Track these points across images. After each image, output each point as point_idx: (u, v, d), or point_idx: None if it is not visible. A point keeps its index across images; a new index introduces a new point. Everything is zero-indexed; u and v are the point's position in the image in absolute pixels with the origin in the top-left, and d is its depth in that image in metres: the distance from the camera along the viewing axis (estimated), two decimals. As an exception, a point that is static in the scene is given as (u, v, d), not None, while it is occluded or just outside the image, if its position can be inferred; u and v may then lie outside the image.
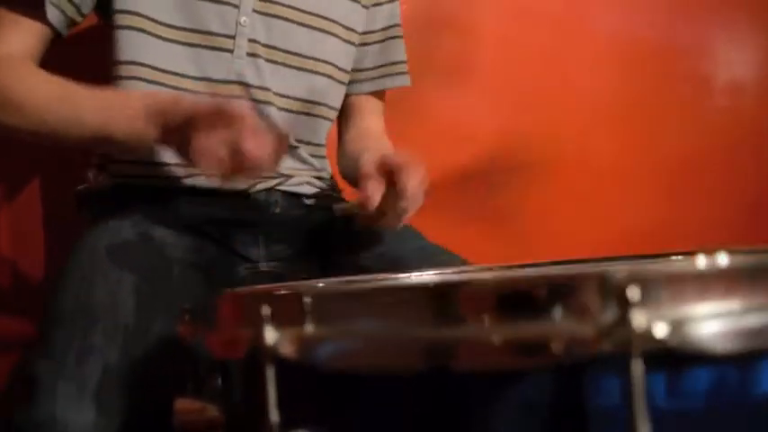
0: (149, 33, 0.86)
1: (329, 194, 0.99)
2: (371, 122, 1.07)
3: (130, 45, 0.86)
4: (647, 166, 1.75)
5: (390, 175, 0.78)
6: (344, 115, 1.06)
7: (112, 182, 0.89)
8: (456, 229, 1.35)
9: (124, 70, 0.86)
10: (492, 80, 1.58)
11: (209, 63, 0.88)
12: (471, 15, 1.57)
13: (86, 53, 0.92)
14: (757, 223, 1.90)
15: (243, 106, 0.72)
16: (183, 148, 0.72)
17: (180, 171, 0.87)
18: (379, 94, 1.08)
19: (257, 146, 0.69)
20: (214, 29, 0.88)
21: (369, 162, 0.79)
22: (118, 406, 0.64)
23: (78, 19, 0.87)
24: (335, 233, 0.94)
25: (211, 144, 0.69)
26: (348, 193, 1.03)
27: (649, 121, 1.77)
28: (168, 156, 0.86)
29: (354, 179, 0.87)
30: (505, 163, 1.55)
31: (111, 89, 0.84)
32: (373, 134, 1.06)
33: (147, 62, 0.86)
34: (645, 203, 1.74)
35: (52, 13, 0.84)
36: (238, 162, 0.69)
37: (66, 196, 0.96)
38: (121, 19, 0.86)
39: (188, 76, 0.87)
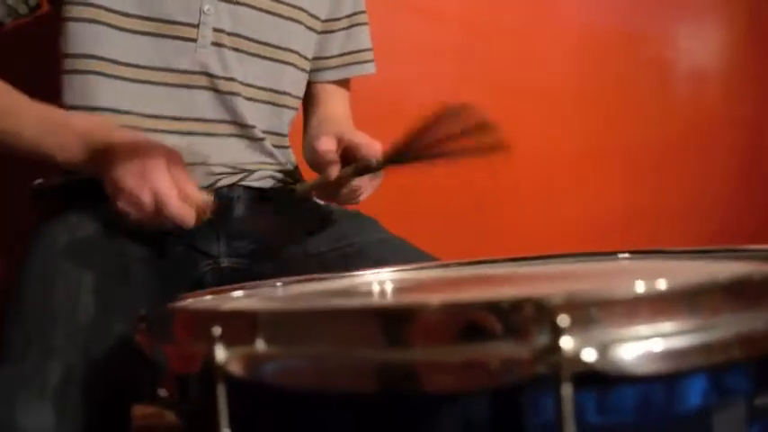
0: (106, 24, 0.84)
1: (292, 189, 1.00)
2: (337, 109, 1.07)
3: (86, 37, 0.84)
4: (610, 154, 1.78)
5: (347, 151, 0.80)
6: (310, 104, 1.06)
7: (69, 177, 0.88)
8: (418, 219, 1.37)
9: (80, 64, 0.84)
10: (456, 65, 1.59)
11: (172, 53, 0.86)
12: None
13: (31, 44, 0.90)
14: (719, 210, 1.95)
15: (177, 161, 0.73)
16: (110, 187, 0.73)
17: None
18: (344, 82, 1.08)
19: (178, 207, 0.71)
20: (176, 17, 0.86)
21: (324, 138, 0.81)
22: (78, 409, 0.64)
23: (23, 10, 0.85)
24: (297, 228, 0.94)
25: (132, 209, 0.71)
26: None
27: (612, 109, 1.80)
28: None
29: (317, 165, 0.88)
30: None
31: (54, 109, 0.83)
32: (338, 120, 1.06)
33: (104, 55, 0.84)
34: (607, 191, 1.77)
35: None
36: (160, 219, 0.71)
37: (22, 191, 0.95)
38: (75, 10, 0.84)
39: (150, 68, 0.86)
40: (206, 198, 0.75)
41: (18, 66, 0.87)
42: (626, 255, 0.70)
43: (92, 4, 0.84)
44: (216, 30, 0.88)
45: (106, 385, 0.67)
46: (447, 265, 0.78)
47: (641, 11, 1.88)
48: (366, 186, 0.85)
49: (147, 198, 0.70)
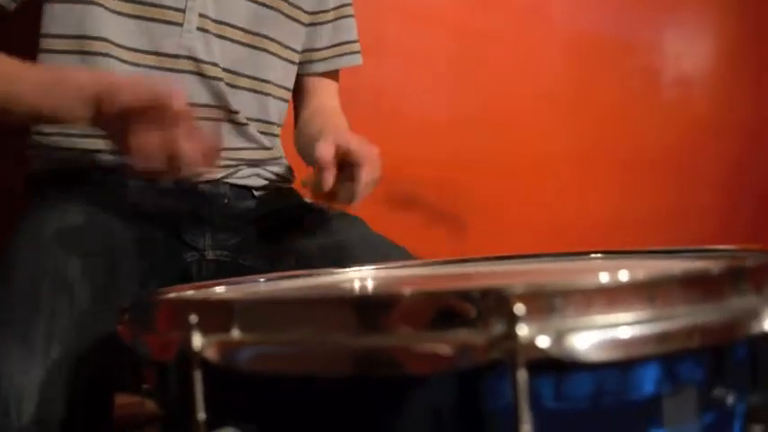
0: (97, 5, 0.85)
1: (279, 186, 1.01)
2: (326, 101, 1.09)
3: (80, 18, 0.85)
4: (599, 159, 1.80)
5: (344, 157, 0.81)
6: (299, 96, 1.08)
7: (58, 165, 0.89)
8: (405, 218, 1.38)
9: (73, 44, 0.86)
10: (445, 65, 1.61)
11: (160, 36, 0.88)
12: (427, 2, 1.59)
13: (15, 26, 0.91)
14: (708, 215, 1.97)
15: (181, 102, 0.72)
16: (118, 138, 0.73)
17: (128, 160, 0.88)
18: (332, 74, 1.09)
19: (192, 147, 0.70)
20: (164, 2, 0.87)
21: (324, 144, 0.81)
22: (64, 369, 0.65)
23: None
24: (282, 223, 0.96)
25: (147, 142, 0.70)
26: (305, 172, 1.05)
27: (600, 114, 1.82)
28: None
29: (310, 158, 0.89)
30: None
31: (52, 66, 0.84)
32: (329, 112, 1.08)
33: (97, 35, 0.85)
34: (596, 196, 1.79)
35: None
36: (172, 162, 0.70)
37: (15, 179, 0.95)
38: None
39: (138, 50, 0.87)
40: (216, 138, 0.75)
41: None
42: (598, 255, 0.72)
43: None
44: (201, 15, 0.90)
45: (90, 375, 0.68)
46: (428, 264, 0.79)
47: (632, 19, 1.91)
48: (363, 191, 0.85)
49: (156, 137, 0.69)
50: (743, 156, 2.09)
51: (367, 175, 0.80)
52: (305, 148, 1.03)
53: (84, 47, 0.85)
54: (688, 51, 2.03)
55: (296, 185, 1.05)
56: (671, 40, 2.00)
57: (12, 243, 0.77)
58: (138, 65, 0.87)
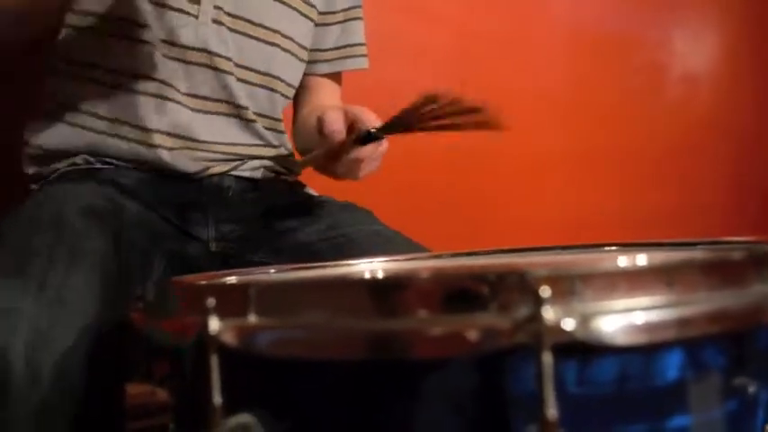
0: None
1: (284, 178, 1.01)
2: (327, 101, 1.08)
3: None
4: (603, 157, 1.79)
5: (353, 124, 0.81)
6: (300, 95, 1.07)
7: (63, 165, 0.89)
8: (412, 213, 1.38)
9: (86, 21, 0.86)
10: (447, 63, 1.60)
11: (175, 26, 0.87)
12: (428, 1, 1.58)
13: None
14: (711, 214, 1.97)
15: None
16: None
17: (134, 151, 0.88)
18: (336, 76, 1.09)
19: None
20: None
21: (334, 112, 0.82)
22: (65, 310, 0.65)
23: None
24: (289, 217, 0.95)
25: None
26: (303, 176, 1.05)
27: (602, 113, 1.81)
28: (123, 134, 0.87)
29: (312, 144, 0.88)
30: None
31: None
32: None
33: (108, 12, 0.85)
34: (597, 192, 1.79)
35: None
36: None
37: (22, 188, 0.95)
38: None
39: (153, 40, 0.87)
40: None
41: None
42: (613, 247, 0.71)
43: None
44: (216, 7, 0.90)
45: (101, 363, 0.67)
46: (439, 256, 0.79)
47: (633, 17, 1.90)
48: (368, 160, 0.84)
49: None
50: (746, 154, 2.09)
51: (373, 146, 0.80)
52: (304, 138, 1.02)
53: (98, 25, 0.86)
54: (690, 50, 2.03)
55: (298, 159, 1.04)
56: (673, 38, 2.00)
57: (15, 210, 0.78)
58: (155, 52, 0.87)
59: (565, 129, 1.75)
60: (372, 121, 0.80)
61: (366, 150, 0.81)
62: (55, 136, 0.89)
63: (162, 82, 0.88)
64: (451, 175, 1.56)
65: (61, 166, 0.89)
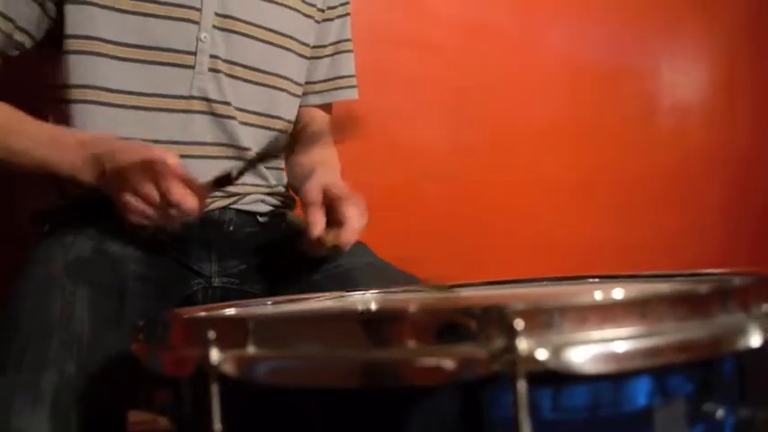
0: (102, 55, 0.88)
1: (282, 212, 1.03)
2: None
3: (83, 69, 0.88)
4: (594, 184, 1.82)
5: (332, 204, 0.84)
6: (293, 126, 1.10)
7: (66, 201, 0.91)
8: (407, 244, 1.40)
9: (75, 93, 0.88)
10: (445, 96, 1.64)
11: (169, 79, 0.89)
12: (426, 32, 1.62)
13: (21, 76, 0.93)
14: (706, 242, 1.99)
15: (174, 159, 0.78)
16: (115, 197, 0.79)
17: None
18: (326, 107, 1.12)
19: (182, 194, 0.76)
20: (174, 45, 0.90)
21: (313, 190, 0.85)
22: (72, 417, 0.67)
23: (28, 45, 0.90)
24: (287, 249, 0.97)
25: (137, 202, 0.77)
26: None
27: (597, 140, 1.84)
28: None
29: (299, 194, 0.92)
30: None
31: (58, 127, 0.88)
32: (321, 145, 1.10)
33: (98, 84, 0.88)
34: (595, 220, 1.81)
35: (1, 41, 0.87)
36: (164, 212, 0.76)
37: (21, 212, 0.98)
38: (73, 44, 0.87)
39: (148, 94, 0.89)
40: (205, 187, 0.80)
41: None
42: (595, 279, 0.74)
43: (91, 37, 0.87)
44: (212, 56, 0.92)
45: (100, 394, 0.70)
46: (427, 289, 0.81)
47: (629, 47, 1.94)
48: (349, 235, 0.87)
49: (151, 190, 0.75)
50: (741, 180, 2.11)
51: (353, 219, 0.84)
52: (294, 181, 1.05)
53: (89, 96, 0.88)
54: (685, 79, 2.06)
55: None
56: (668, 68, 2.03)
57: (21, 284, 0.79)
58: (148, 108, 0.90)
59: (562, 158, 1.77)
60: (355, 205, 0.85)
61: (348, 225, 0.85)
62: (63, 184, 0.91)
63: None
64: (450, 203, 1.58)
65: (69, 201, 0.91)
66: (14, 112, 0.87)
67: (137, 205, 0.77)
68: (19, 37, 0.88)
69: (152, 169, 0.76)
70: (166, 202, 0.76)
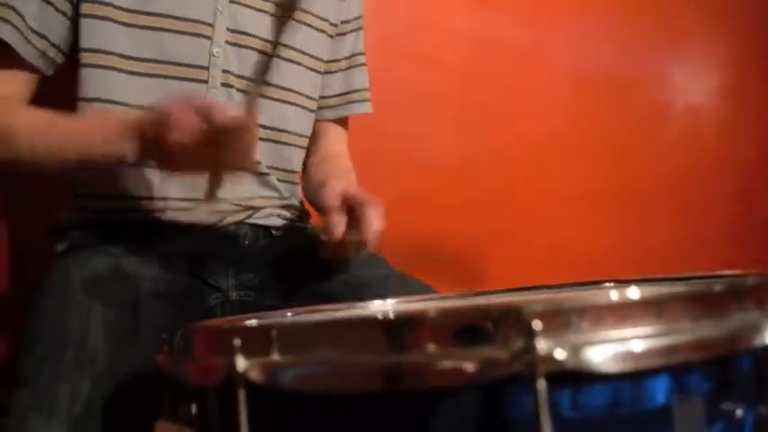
0: (115, 69, 0.89)
1: (297, 225, 1.04)
2: (335, 147, 1.12)
3: (95, 83, 0.89)
4: (602, 193, 1.83)
5: (351, 209, 0.85)
6: (310, 140, 1.11)
7: (86, 216, 0.92)
8: (419, 255, 1.41)
9: (88, 108, 0.89)
10: (453, 108, 1.65)
11: (182, 94, 0.89)
12: (433, 45, 1.64)
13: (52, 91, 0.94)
14: (715, 250, 1.98)
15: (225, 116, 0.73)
16: (160, 152, 0.75)
17: (153, 206, 0.91)
18: (342, 121, 1.13)
19: (227, 112, 0.72)
20: (187, 60, 0.91)
21: (331, 195, 0.85)
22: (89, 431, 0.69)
23: (59, 60, 0.91)
24: (303, 261, 0.98)
25: (182, 114, 0.71)
26: (316, 218, 1.08)
27: (604, 150, 1.85)
28: (141, 191, 0.90)
29: (318, 206, 0.92)
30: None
31: (89, 114, 0.88)
32: (336, 159, 1.10)
33: (111, 97, 0.89)
34: (606, 227, 1.82)
35: (37, 59, 0.89)
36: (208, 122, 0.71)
37: (38, 230, 0.98)
38: (87, 57, 0.89)
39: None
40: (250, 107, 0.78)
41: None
42: (611, 284, 0.75)
43: (104, 51, 0.89)
44: (225, 71, 0.94)
45: (117, 410, 0.71)
46: (446, 297, 0.83)
47: (636, 55, 1.94)
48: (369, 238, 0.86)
49: (192, 113, 0.71)
50: (750, 186, 2.11)
51: (373, 222, 0.83)
52: (312, 194, 1.06)
53: (104, 110, 0.88)
54: (692, 86, 2.07)
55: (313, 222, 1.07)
56: (675, 76, 2.04)
57: (38, 300, 0.80)
58: None
59: (572, 167, 1.78)
60: (374, 208, 0.83)
61: (367, 228, 0.83)
62: (85, 200, 0.93)
63: None
64: (460, 214, 1.59)
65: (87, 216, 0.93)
66: (49, 114, 0.86)
67: (181, 135, 0.71)
68: (52, 53, 0.90)
69: (189, 103, 0.72)
70: (211, 120, 0.71)
